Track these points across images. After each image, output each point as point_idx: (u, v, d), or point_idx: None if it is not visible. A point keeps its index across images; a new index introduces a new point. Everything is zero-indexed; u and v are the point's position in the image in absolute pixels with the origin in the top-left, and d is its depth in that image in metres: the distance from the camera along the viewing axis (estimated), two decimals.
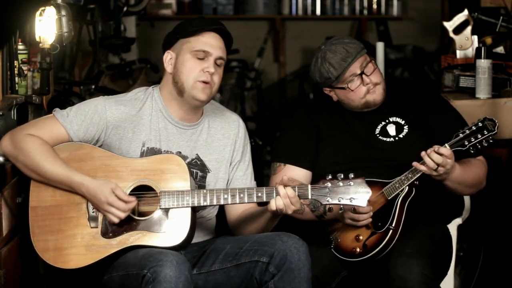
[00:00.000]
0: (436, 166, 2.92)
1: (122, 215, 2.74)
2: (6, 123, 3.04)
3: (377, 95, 3.13)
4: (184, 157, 2.91)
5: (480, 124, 2.97)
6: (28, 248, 2.81)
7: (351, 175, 2.74)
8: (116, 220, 2.75)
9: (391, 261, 2.92)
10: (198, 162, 2.95)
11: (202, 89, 2.86)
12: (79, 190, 2.79)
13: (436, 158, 2.91)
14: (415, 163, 2.95)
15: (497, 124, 2.97)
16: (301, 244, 2.76)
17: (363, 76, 3.10)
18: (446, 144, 2.96)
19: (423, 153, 2.94)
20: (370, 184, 2.93)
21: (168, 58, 2.93)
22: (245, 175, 3.02)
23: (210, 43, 2.88)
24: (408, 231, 3.01)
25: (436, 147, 2.93)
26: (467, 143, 2.96)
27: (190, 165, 2.91)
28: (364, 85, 3.11)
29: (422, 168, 2.94)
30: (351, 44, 3.10)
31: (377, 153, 3.12)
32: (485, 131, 2.96)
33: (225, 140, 3.00)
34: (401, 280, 2.85)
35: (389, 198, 3.02)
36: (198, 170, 2.94)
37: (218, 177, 2.97)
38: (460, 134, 2.98)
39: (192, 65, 2.87)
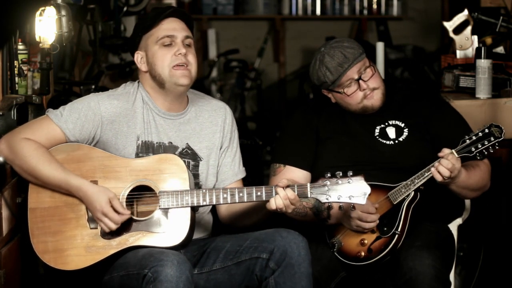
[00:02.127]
0: (449, 173, 2.91)
1: (114, 227, 2.75)
2: (6, 123, 3.04)
3: (375, 100, 3.12)
4: (174, 148, 2.92)
5: (486, 131, 2.96)
6: (28, 248, 2.80)
7: (350, 173, 2.74)
8: (107, 230, 2.76)
9: (401, 254, 2.92)
10: (189, 151, 2.95)
11: (180, 74, 2.88)
12: (77, 194, 2.79)
13: (446, 163, 2.91)
14: (433, 170, 2.93)
15: (504, 130, 2.97)
16: (301, 240, 2.77)
17: (360, 81, 3.09)
18: (453, 150, 2.94)
19: (435, 163, 2.93)
20: (375, 188, 2.93)
21: (139, 58, 2.94)
22: (233, 162, 3.03)
23: (171, 27, 2.91)
24: (413, 229, 3.01)
25: (444, 154, 2.92)
26: (474, 150, 2.95)
27: (181, 155, 2.91)
28: (360, 90, 3.10)
29: (437, 176, 2.92)
30: (349, 49, 3.08)
31: (377, 155, 3.11)
32: (491, 138, 2.95)
33: (213, 127, 3.01)
34: (413, 272, 2.85)
35: (394, 203, 3.02)
36: (190, 160, 2.95)
37: (209, 164, 2.99)
38: (467, 140, 2.96)
39: (162, 54, 2.89)
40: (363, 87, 3.09)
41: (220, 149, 3.02)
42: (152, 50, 2.90)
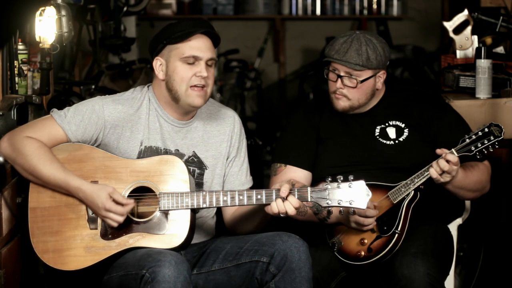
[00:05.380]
0: (442, 172, 2.92)
1: (121, 219, 2.75)
2: (6, 123, 3.04)
3: (337, 103, 3.14)
4: (181, 155, 2.91)
5: (486, 130, 2.96)
6: (28, 248, 2.80)
7: (351, 177, 2.73)
8: (115, 225, 2.75)
9: (396, 260, 2.92)
10: (195, 160, 2.95)
11: (196, 95, 2.85)
12: (77, 195, 2.79)
13: (443, 165, 2.91)
14: (430, 169, 2.94)
15: (503, 130, 2.96)
16: (301, 244, 2.76)
17: (338, 80, 3.10)
18: (453, 150, 2.94)
19: (433, 163, 2.93)
20: (375, 187, 2.93)
21: (158, 64, 2.90)
22: (240, 171, 3.02)
23: (198, 46, 2.86)
24: (411, 231, 3.01)
25: (444, 154, 2.92)
26: (473, 149, 2.95)
27: (187, 162, 2.90)
28: (335, 85, 3.11)
29: (433, 173, 2.93)
30: (364, 53, 3.05)
31: (377, 156, 3.12)
32: (491, 137, 2.95)
33: (221, 136, 3.00)
34: (407, 280, 2.85)
35: (394, 202, 3.02)
36: (195, 168, 2.94)
37: (215, 173, 2.97)
38: (467, 140, 2.96)
39: (184, 72, 2.85)
40: (336, 85, 3.11)
41: (227, 159, 3.00)
42: (174, 64, 2.86)
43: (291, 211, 2.71)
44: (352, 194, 2.72)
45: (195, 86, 2.85)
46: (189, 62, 2.85)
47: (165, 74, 2.89)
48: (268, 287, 2.75)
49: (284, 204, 2.71)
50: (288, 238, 2.77)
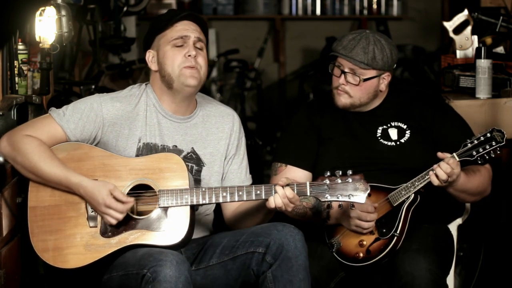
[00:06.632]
0: (447, 177, 2.92)
1: (120, 216, 2.75)
2: (6, 123, 3.04)
3: (338, 99, 3.14)
4: (179, 151, 2.92)
5: (488, 135, 2.96)
6: (28, 248, 2.80)
7: (349, 172, 2.74)
8: (113, 222, 2.75)
9: (398, 257, 2.92)
10: (194, 156, 2.95)
11: (189, 74, 2.89)
12: (77, 191, 2.79)
13: (446, 167, 2.90)
14: (431, 173, 2.93)
15: (505, 135, 2.96)
16: (297, 232, 2.77)
17: (342, 76, 3.10)
18: (454, 154, 2.94)
19: (435, 166, 2.93)
20: (375, 189, 2.93)
21: (150, 57, 2.96)
22: (239, 169, 3.03)
23: (184, 28, 2.93)
24: (412, 230, 3.01)
25: (445, 158, 2.92)
26: (475, 154, 2.95)
27: (186, 158, 2.91)
28: (338, 81, 3.12)
29: (433, 179, 2.92)
30: (370, 52, 3.06)
31: (378, 156, 3.11)
32: (493, 142, 2.95)
33: (219, 134, 3.01)
34: (409, 276, 2.85)
35: (394, 205, 3.02)
36: (193, 164, 2.95)
37: (213, 171, 2.98)
38: (469, 144, 2.96)
39: (173, 54, 2.90)
40: (340, 81, 3.11)
41: (226, 157, 3.01)
42: (163, 50, 2.92)
43: (287, 204, 2.72)
44: (351, 189, 2.73)
45: (186, 66, 2.88)
46: (177, 44, 2.90)
47: (157, 64, 2.93)
48: (265, 276, 2.75)
49: (281, 198, 2.71)
50: (283, 227, 2.77)
